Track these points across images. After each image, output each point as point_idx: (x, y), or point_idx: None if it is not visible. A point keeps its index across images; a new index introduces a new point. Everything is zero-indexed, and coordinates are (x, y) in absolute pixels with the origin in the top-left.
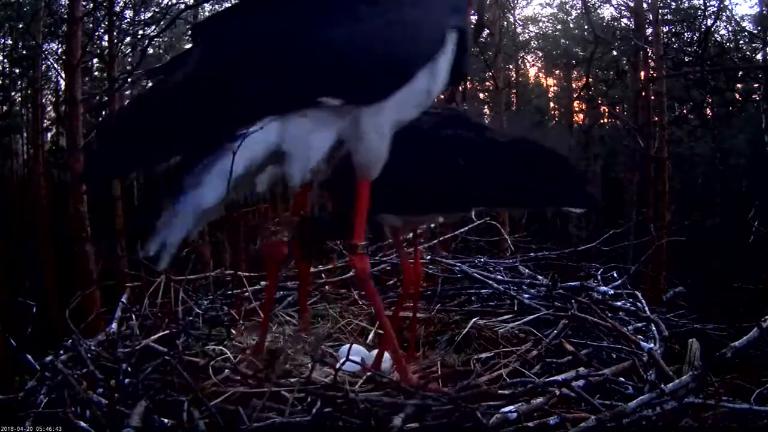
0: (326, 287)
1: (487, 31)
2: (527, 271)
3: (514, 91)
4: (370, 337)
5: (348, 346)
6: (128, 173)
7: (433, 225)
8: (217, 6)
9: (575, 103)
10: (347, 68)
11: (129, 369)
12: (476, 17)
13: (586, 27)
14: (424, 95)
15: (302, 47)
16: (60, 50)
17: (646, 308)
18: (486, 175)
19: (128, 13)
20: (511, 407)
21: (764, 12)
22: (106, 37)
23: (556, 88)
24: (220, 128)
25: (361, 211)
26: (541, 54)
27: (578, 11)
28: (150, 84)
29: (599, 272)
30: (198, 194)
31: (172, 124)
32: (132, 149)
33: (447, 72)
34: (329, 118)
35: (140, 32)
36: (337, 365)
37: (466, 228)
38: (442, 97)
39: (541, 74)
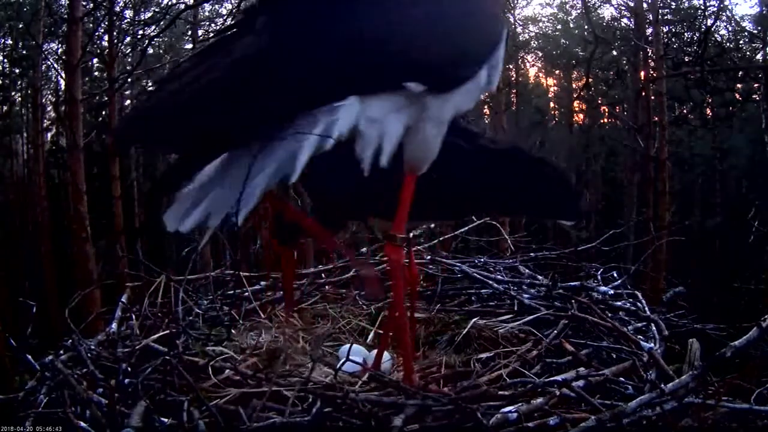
0: (326, 287)
1: None
2: (527, 271)
3: (514, 91)
4: (370, 337)
5: (348, 346)
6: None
7: (432, 225)
8: (217, 6)
9: (575, 103)
10: (434, 54)
11: (129, 369)
12: None
13: (586, 27)
14: (485, 87)
15: (393, 28)
16: (60, 50)
17: (646, 308)
18: (477, 184)
19: (128, 13)
20: (511, 407)
21: (764, 12)
22: (106, 37)
23: (556, 88)
24: (307, 101)
25: (405, 203)
26: (541, 54)
27: (578, 11)
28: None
29: (599, 272)
30: (281, 167)
31: (261, 93)
32: (207, 116)
33: (501, 65)
34: (402, 105)
35: (140, 32)
36: (337, 365)
37: (466, 228)
38: None
39: (541, 74)
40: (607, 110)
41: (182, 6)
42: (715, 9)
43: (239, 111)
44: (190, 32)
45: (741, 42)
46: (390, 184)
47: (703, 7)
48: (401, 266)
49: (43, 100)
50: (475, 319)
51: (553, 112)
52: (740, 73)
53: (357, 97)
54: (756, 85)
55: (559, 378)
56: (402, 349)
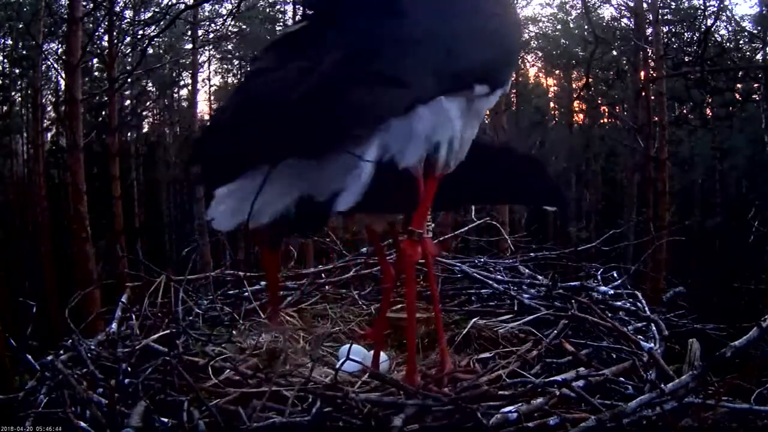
0: (326, 287)
1: None
2: (527, 271)
3: (514, 91)
4: None
5: (348, 346)
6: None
7: (432, 225)
8: (217, 6)
9: (575, 103)
10: (497, 60)
11: (129, 369)
12: None
13: (586, 27)
14: (506, 89)
15: (474, 38)
16: (60, 50)
17: (646, 308)
18: (468, 177)
19: (128, 13)
20: (511, 407)
21: (764, 12)
22: (106, 37)
23: (556, 88)
24: (402, 102)
25: (428, 200)
26: (541, 54)
27: (578, 11)
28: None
29: (599, 272)
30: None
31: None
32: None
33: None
34: (463, 107)
35: (140, 32)
36: (337, 365)
37: (466, 228)
38: None
39: (541, 74)
40: (607, 110)
41: (182, 6)
42: (715, 9)
43: (351, 108)
44: (190, 32)
45: (741, 42)
46: (383, 179)
47: (703, 7)
48: (414, 263)
49: (43, 100)
50: (475, 319)
51: (553, 112)
52: (740, 73)
53: (444, 97)
54: (756, 85)
55: (559, 378)
56: (408, 347)
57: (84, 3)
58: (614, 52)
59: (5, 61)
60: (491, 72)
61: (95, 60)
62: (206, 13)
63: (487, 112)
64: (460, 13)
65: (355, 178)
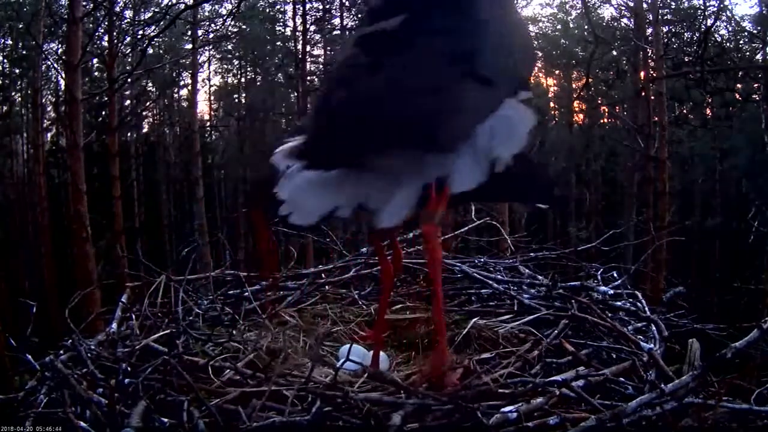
0: (326, 287)
1: None
2: (527, 271)
3: None
4: None
5: (348, 346)
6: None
7: None
8: (217, 6)
9: (575, 103)
10: (533, 65)
11: (129, 369)
12: None
13: (586, 27)
14: None
15: (517, 39)
16: (60, 50)
17: (646, 308)
18: None
19: (128, 13)
20: (511, 407)
21: (764, 12)
22: (106, 37)
23: (556, 88)
24: (495, 102)
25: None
26: (541, 54)
27: (578, 11)
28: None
29: (599, 272)
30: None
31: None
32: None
33: None
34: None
35: (140, 32)
36: (337, 365)
37: (466, 228)
38: None
39: (541, 74)
40: (607, 110)
41: (182, 6)
42: (715, 9)
43: (462, 108)
44: (190, 32)
45: (741, 42)
46: None
47: (703, 7)
48: (439, 245)
49: (43, 100)
50: (475, 319)
51: (553, 112)
52: (740, 73)
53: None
54: (756, 85)
55: (559, 378)
56: (438, 336)
57: (84, 3)
58: (614, 52)
59: (5, 61)
60: (527, 75)
61: (95, 60)
62: (206, 13)
63: None
64: (509, 17)
65: (468, 165)
